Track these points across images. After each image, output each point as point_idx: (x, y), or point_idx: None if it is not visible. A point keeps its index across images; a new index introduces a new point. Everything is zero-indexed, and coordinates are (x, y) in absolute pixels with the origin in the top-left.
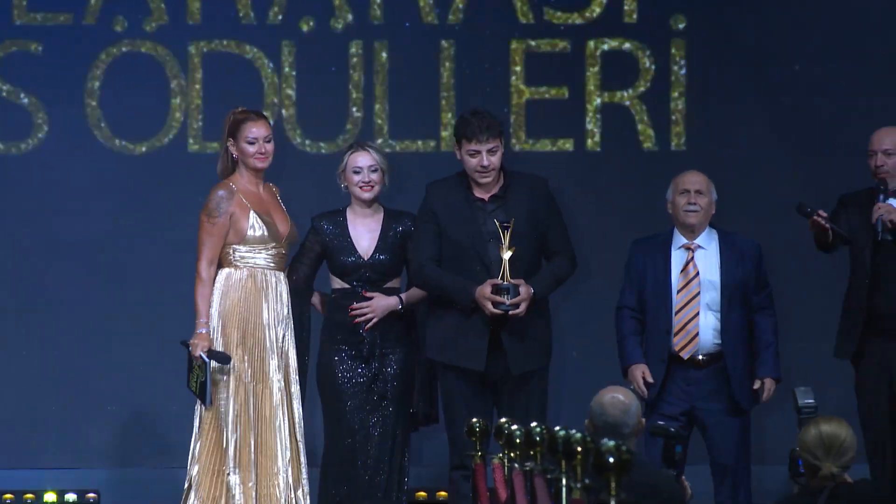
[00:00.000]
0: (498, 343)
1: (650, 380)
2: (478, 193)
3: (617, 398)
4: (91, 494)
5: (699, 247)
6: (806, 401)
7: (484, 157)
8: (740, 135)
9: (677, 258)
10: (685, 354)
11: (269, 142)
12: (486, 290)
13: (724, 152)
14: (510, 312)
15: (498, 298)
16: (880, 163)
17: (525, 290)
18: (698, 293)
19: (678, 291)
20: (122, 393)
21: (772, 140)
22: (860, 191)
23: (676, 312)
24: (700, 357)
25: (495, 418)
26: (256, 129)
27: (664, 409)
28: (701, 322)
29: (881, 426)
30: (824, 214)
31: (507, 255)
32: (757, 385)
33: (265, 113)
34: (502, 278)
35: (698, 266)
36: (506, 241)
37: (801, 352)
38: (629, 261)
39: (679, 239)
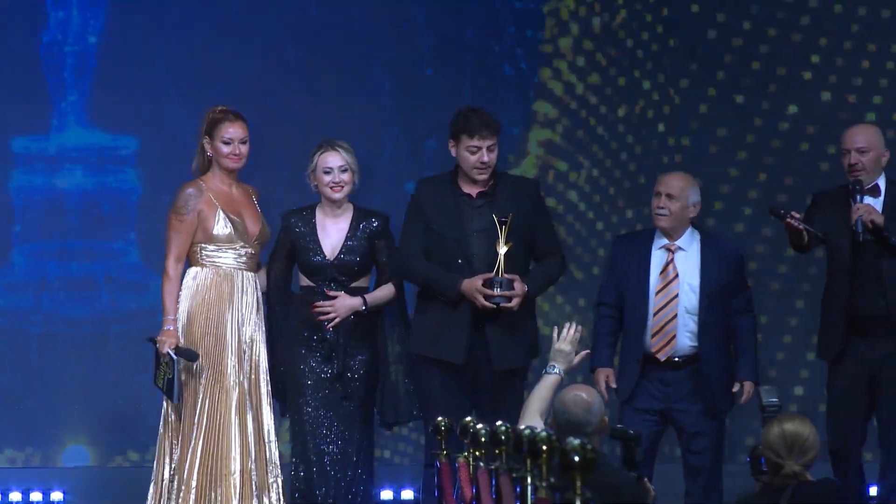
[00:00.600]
0: (482, 338)
1: (613, 385)
2: (465, 189)
3: (580, 396)
4: (56, 494)
5: (679, 248)
6: (770, 399)
7: (484, 154)
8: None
9: (657, 258)
10: (662, 356)
11: (244, 143)
12: (476, 282)
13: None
14: (501, 305)
15: (489, 292)
16: (854, 161)
17: (519, 286)
18: (677, 295)
19: (657, 293)
20: (89, 391)
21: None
22: (833, 189)
23: (655, 314)
24: (676, 359)
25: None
26: (233, 130)
27: (638, 405)
28: (679, 324)
29: (853, 425)
30: (797, 216)
31: (503, 249)
32: (736, 388)
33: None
34: (497, 273)
35: (678, 268)
36: (503, 236)
37: (772, 350)
38: (611, 257)
39: (661, 239)
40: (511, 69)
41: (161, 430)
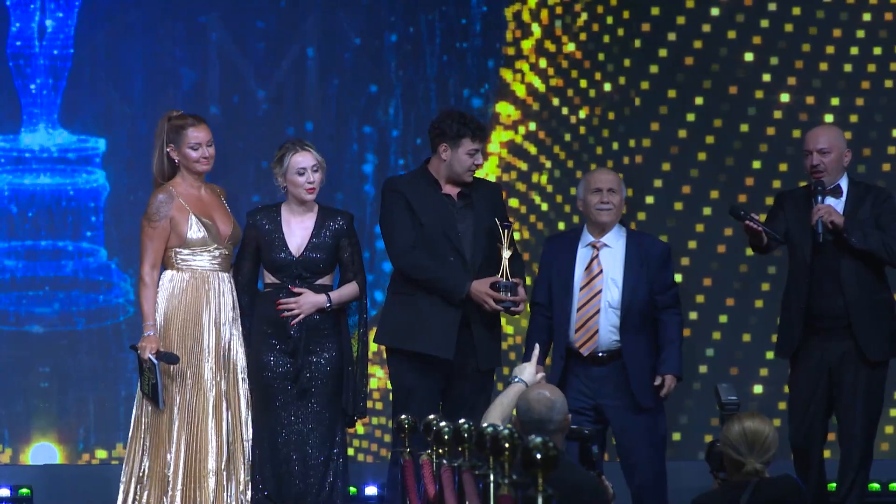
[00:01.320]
0: (469, 337)
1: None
2: (446, 190)
3: (543, 394)
4: (24, 490)
5: (605, 245)
6: (729, 397)
7: (479, 157)
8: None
9: (583, 256)
10: (585, 351)
11: (210, 146)
12: (484, 286)
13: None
14: (511, 310)
15: (500, 295)
16: (816, 162)
17: (522, 290)
18: (600, 291)
19: (581, 288)
20: (57, 390)
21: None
22: (796, 189)
23: (578, 309)
24: (601, 354)
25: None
26: (198, 134)
27: (572, 406)
28: (601, 319)
29: (814, 424)
30: (756, 217)
31: (507, 253)
32: (658, 381)
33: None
34: (503, 276)
35: (602, 264)
36: (506, 240)
37: (732, 348)
38: (541, 257)
39: (587, 237)
40: (474, 71)
41: (132, 431)
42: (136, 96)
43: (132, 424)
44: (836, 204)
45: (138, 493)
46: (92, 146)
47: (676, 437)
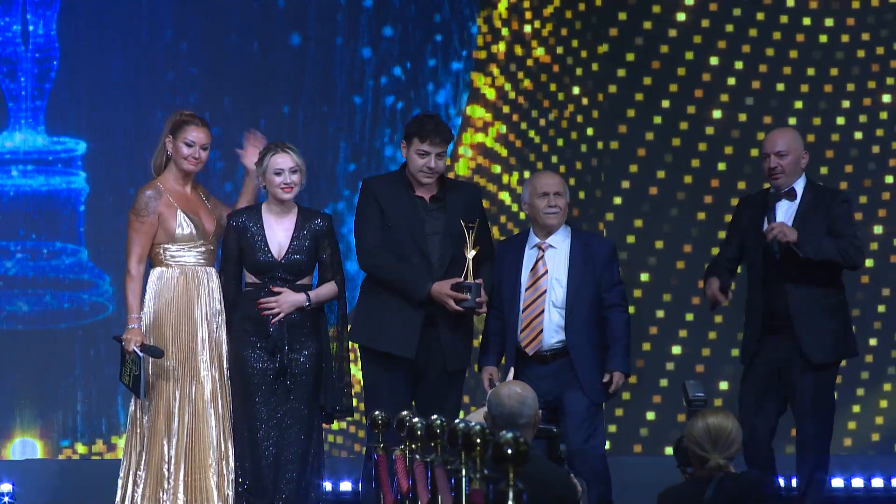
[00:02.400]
0: (435, 337)
1: (497, 383)
2: (419, 192)
3: (514, 390)
4: (6, 486)
5: (550, 246)
6: (696, 394)
7: (432, 160)
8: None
9: (529, 257)
10: (530, 351)
11: (205, 150)
12: (445, 287)
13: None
14: (476, 311)
15: (461, 296)
16: (773, 165)
17: (484, 292)
18: (545, 291)
19: (526, 289)
20: (38, 387)
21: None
22: (755, 194)
23: (524, 310)
24: (545, 353)
25: (412, 410)
26: (197, 134)
27: None
28: (545, 319)
29: (761, 420)
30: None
31: (471, 254)
32: (606, 378)
33: None
34: (465, 277)
35: (547, 265)
36: (470, 241)
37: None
38: (494, 260)
39: (533, 238)
40: (444, 74)
41: (129, 427)
42: (116, 98)
43: (129, 420)
44: (791, 207)
45: (136, 487)
46: (72, 148)
47: (644, 432)
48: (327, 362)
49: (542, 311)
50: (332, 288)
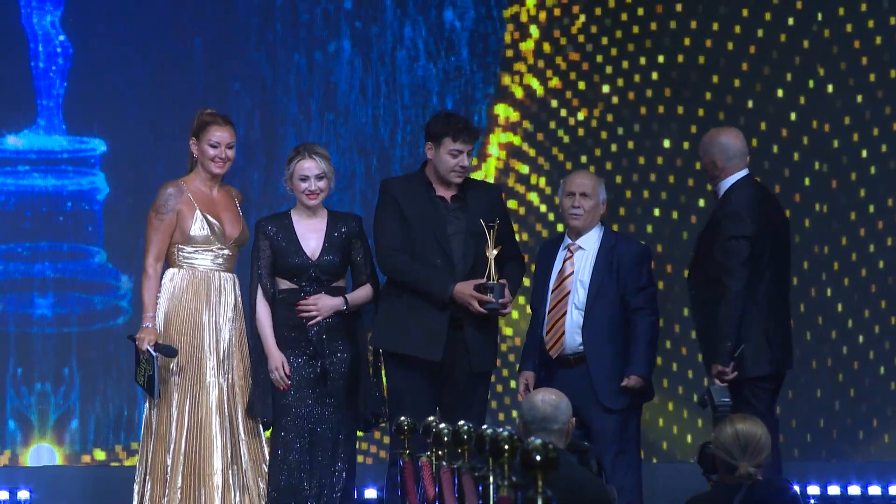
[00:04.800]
0: (461, 339)
1: (532, 389)
2: (439, 192)
3: (548, 396)
4: (23, 493)
5: (579, 247)
6: (722, 399)
7: (464, 158)
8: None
9: (559, 258)
10: (553, 353)
11: (230, 148)
12: (468, 287)
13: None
14: (499, 312)
15: (486, 298)
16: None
17: (508, 291)
18: (569, 292)
19: (553, 290)
20: (57, 391)
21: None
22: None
23: (549, 311)
24: (568, 356)
25: (437, 415)
26: (220, 134)
27: None
28: (567, 321)
29: None
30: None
31: (493, 254)
32: (624, 382)
33: None
34: (488, 278)
35: (575, 266)
36: (492, 240)
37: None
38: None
39: (566, 240)
40: (472, 73)
41: (144, 431)
42: (136, 98)
43: (143, 424)
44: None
45: (146, 490)
46: (91, 147)
47: (665, 438)
48: (364, 368)
49: (565, 312)
50: (367, 291)
